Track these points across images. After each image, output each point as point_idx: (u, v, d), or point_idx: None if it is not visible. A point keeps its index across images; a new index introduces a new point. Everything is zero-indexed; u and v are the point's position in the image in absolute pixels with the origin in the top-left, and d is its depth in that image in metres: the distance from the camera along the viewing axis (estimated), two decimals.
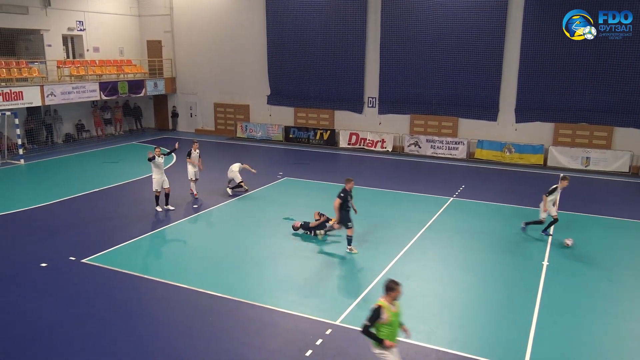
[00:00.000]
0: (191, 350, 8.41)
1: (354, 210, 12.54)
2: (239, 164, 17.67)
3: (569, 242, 12.97)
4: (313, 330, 8.98)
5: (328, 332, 8.94)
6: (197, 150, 16.79)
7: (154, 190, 15.36)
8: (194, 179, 16.75)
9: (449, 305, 10.08)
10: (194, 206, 16.09)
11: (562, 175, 13.31)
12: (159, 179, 15.19)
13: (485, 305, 10.06)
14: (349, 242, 12.46)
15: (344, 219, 12.22)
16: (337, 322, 9.23)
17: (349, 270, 11.66)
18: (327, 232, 13.61)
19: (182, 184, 17.41)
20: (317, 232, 13.58)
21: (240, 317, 9.48)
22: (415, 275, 11.32)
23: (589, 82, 21.66)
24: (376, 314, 6.85)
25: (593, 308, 10.04)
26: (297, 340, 8.69)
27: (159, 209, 15.43)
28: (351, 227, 12.34)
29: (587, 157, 21.89)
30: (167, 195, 15.47)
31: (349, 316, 9.47)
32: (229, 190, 17.25)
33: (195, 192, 16.88)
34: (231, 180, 17.43)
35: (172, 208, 15.52)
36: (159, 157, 15.09)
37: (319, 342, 8.62)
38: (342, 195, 12.12)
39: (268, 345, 8.55)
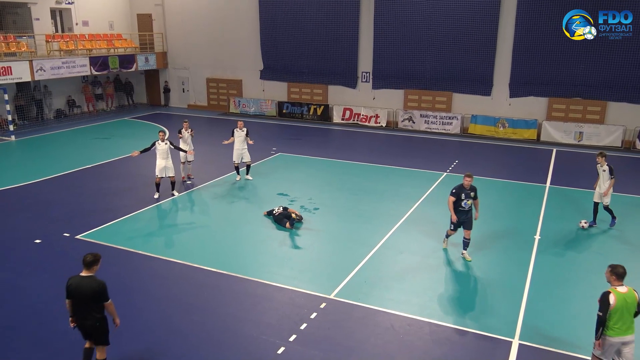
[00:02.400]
0: (188, 325, 8.50)
1: (475, 213, 10.77)
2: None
3: (584, 224, 12.62)
4: (308, 304, 9.07)
5: (322, 305, 9.04)
6: (189, 130, 15.72)
7: (155, 174, 14.47)
8: (183, 161, 15.77)
9: (442, 278, 10.20)
10: (188, 182, 16.05)
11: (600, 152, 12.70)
12: (159, 164, 14.19)
13: (477, 278, 10.19)
14: (465, 245, 10.91)
15: (458, 221, 10.58)
16: (332, 296, 9.33)
17: (343, 245, 11.72)
18: (296, 222, 12.69)
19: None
20: (286, 222, 12.52)
21: (236, 292, 9.55)
22: (408, 249, 11.42)
23: (583, 57, 21.57)
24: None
25: (583, 281, 10.20)
26: (292, 314, 8.79)
27: (155, 196, 14.44)
28: (465, 229, 10.72)
29: (580, 132, 21.94)
30: (172, 183, 14.66)
31: (343, 290, 9.56)
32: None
33: (183, 176, 16.08)
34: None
35: (177, 194, 14.76)
36: (161, 142, 14.14)
37: (313, 315, 8.73)
38: (454, 191, 10.52)
39: (264, 319, 8.64)
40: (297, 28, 26.46)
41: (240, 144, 15.84)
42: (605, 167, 12.42)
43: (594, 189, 12.82)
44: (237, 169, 16.23)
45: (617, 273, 6.47)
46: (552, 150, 21.20)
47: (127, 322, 8.49)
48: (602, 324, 6.42)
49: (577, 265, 10.91)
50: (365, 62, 25.70)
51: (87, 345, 6.87)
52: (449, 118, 24.09)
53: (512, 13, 22.35)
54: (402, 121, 24.96)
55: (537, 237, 12.13)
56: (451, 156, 19.72)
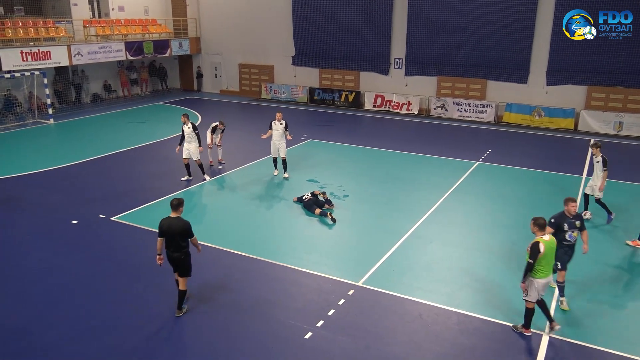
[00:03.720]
0: (217, 306, 8.65)
1: (584, 246, 8.68)
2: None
3: (588, 215, 12.28)
4: (336, 291, 9.10)
5: (350, 292, 9.05)
6: (222, 127, 15.81)
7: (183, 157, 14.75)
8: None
9: (471, 269, 10.07)
10: (219, 167, 16.23)
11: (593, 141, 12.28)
12: (185, 147, 14.45)
13: (507, 270, 10.01)
14: (561, 291, 8.76)
15: (558, 258, 8.30)
16: (360, 284, 9.33)
17: (372, 232, 11.68)
18: (326, 209, 12.60)
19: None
20: (316, 209, 12.49)
21: (264, 276, 9.65)
22: (438, 238, 11.32)
23: (625, 44, 20.76)
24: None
25: (614, 274, 9.95)
26: (320, 300, 8.83)
27: (183, 178, 14.82)
28: (562, 270, 8.60)
29: (620, 122, 21.22)
30: (200, 166, 14.80)
31: (371, 278, 9.55)
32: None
33: (211, 160, 16.15)
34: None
35: (208, 178, 14.93)
36: (184, 125, 14.42)
37: (341, 302, 8.75)
38: (553, 221, 8.35)
39: (292, 304, 8.71)
40: (330, 14, 26.27)
41: (278, 137, 14.81)
42: (599, 158, 11.79)
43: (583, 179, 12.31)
44: (275, 162, 15.35)
45: (539, 224, 7.50)
46: (590, 140, 20.54)
47: (157, 301, 8.69)
48: (530, 270, 7.48)
49: (608, 259, 10.61)
50: (398, 48, 25.36)
51: (176, 277, 8.41)
52: (483, 106, 23.62)
53: None
54: (435, 109, 24.60)
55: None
56: (484, 145, 19.37)
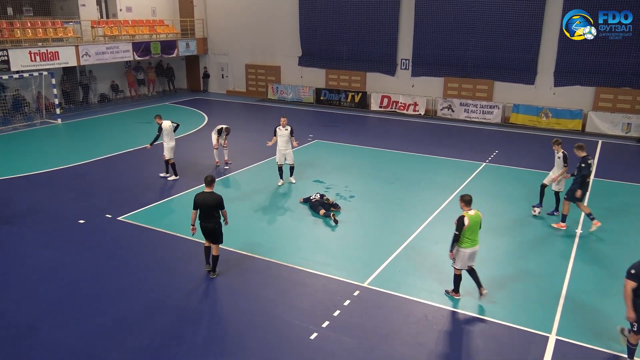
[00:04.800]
0: (222, 306, 8.68)
1: None
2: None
3: (537, 211, 12.60)
4: (341, 291, 9.09)
5: (356, 293, 9.03)
6: (227, 132, 15.92)
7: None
8: (216, 146, 15.66)
9: (477, 270, 9.95)
10: (225, 167, 16.26)
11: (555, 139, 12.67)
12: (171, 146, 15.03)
13: (514, 271, 9.97)
14: (630, 354, 7.26)
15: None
16: (365, 284, 9.31)
17: (378, 233, 11.65)
18: (334, 211, 12.51)
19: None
20: (321, 211, 12.38)
21: (270, 276, 9.65)
22: (444, 240, 11.18)
23: (634, 44, 20.63)
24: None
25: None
26: (325, 300, 8.82)
27: (161, 174, 15.31)
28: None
29: (628, 123, 21.07)
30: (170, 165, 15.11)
31: (376, 279, 9.53)
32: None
33: (217, 161, 16.15)
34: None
35: (169, 177, 15.07)
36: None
37: (346, 302, 8.73)
38: (634, 272, 6.82)
39: (297, 304, 8.70)
40: (336, 14, 26.27)
41: (283, 144, 14.12)
42: (560, 154, 12.27)
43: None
44: (280, 170, 14.64)
45: (466, 200, 8.50)
46: (598, 141, 20.44)
47: (164, 299, 8.69)
48: (456, 240, 8.43)
49: (619, 260, 10.48)
50: (405, 48, 25.32)
51: (206, 244, 9.49)
52: (490, 107, 23.53)
53: None
54: (441, 109, 24.54)
55: (579, 230, 11.79)
56: (491, 146, 19.29)
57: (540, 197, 12.77)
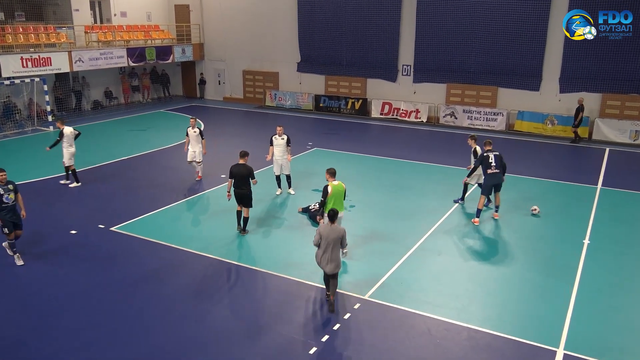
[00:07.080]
0: (218, 319, 8.31)
1: None
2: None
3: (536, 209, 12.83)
4: (341, 304, 8.73)
5: (356, 306, 8.72)
6: (195, 129, 14.81)
7: None
8: (189, 160, 14.94)
9: (482, 282, 9.62)
10: (222, 176, 15.67)
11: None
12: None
13: (521, 283, 9.57)
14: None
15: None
16: (366, 297, 8.98)
17: (379, 244, 11.14)
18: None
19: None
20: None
21: (268, 289, 9.33)
22: (447, 250, 10.88)
23: (635, 44, 20.15)
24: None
25: (635, 289, 9.43)
26: (325, 314, 8.47)
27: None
28: None
29: (636, 131, 20.58)
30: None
31: (377, 291, 9.16)
32: None
33: (199, 175, 15.36)
34: None
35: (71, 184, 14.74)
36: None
37: (347, 316, 8.41)
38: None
39: (296, 318, 8.37)
40: (336, 18, 25.77)
41: (280, 153, 13.75)
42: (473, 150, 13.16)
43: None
44: (278, 180, 14.32)
45: (331, 172, 9.94)
46: (605, 149, 19.94)
47: (157, 312, 8.16)
48: (323, 205, 9.80)
49: (629, 272, 10.08)
50: (406, 54, 24.82)
51: (238, 208, 11.32)
52: (494, 114, 23.03)
53: (565, 2, 21.07)
54: (444, 117, 24.02)
55: (587, 241, 11.31)
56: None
57: (462, 193, 13.57)
